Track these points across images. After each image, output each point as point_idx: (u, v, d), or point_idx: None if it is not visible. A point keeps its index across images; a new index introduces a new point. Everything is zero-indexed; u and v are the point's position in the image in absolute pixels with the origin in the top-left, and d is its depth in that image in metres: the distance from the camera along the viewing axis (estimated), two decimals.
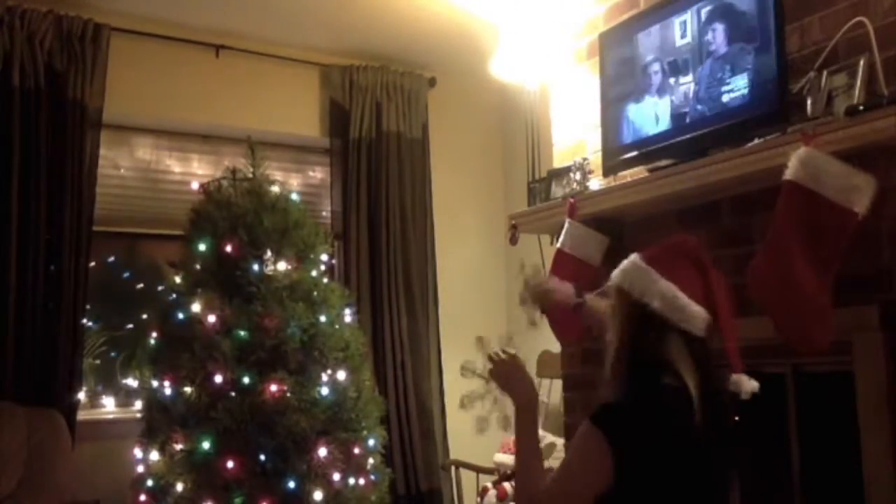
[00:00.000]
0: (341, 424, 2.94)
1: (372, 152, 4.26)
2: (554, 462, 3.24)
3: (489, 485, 3.87)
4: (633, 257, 1.70)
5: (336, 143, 4.26)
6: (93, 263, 3.61)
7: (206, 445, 2.74)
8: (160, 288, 3.95)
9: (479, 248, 4.69)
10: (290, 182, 4.20)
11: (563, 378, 3.25)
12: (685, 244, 1.70)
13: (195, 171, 4.09)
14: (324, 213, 4.34)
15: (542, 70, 3.47)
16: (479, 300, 4.66)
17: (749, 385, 1.68)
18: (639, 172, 2.77)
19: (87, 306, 3.57)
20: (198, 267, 3.02)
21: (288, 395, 2.81)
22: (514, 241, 3.34)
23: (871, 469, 2.06)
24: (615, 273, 1.71)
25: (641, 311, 1.61)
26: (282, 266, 3.01)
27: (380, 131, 4.28)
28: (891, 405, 2.04)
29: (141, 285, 4.15)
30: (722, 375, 1.67)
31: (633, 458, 1.49)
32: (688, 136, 2.56)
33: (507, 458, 3.95)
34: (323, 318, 3.00)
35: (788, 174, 2.03)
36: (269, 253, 3.01)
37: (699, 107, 2.54)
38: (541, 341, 3.91)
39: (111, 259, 4.10)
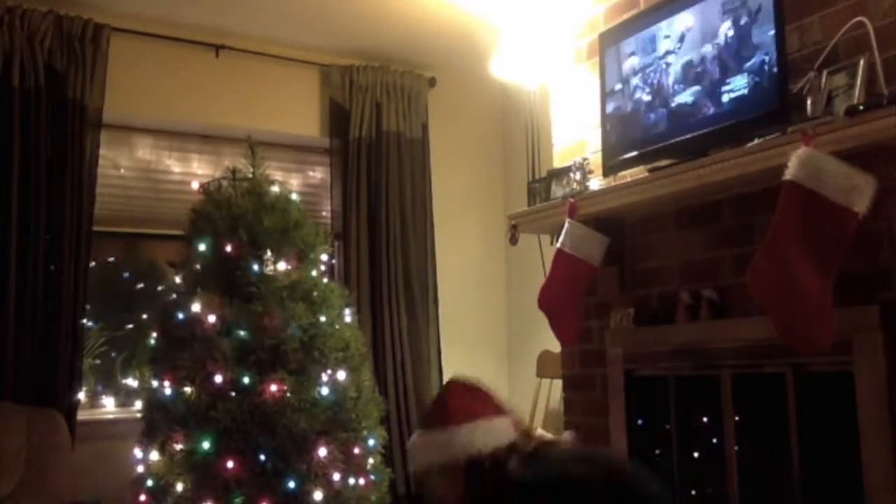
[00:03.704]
0: (341, 424, 2.94)
1: (372, 152, 4.26)
2: None
3: None
4: (417, 435, 1.65)
5: (336, 143, 4.26)
6: (93, 263, 3.61)
7: (206, 445, 2.74)
8: (160, 288, 3.95)
9: (479, 247, 4.69)
10: (290, 182, 4.20)
11: (563, 378, 3.26)
12: (461, 388, 1.68)
13: (195, 171, 4.09)
14: (324, 213, 4.34)
15: (542, 70, 3.48)
16: (479, 300, 4.65)
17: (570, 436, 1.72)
18: (639, 172, 2.77)
19: (87, 306, 3.57)
20: (198, 267, 3.02)
21: (288, 395, 2.81)
22: (514, 241, 3.34)
23: (871, 469, 2.06)
24: (419, 463, 1.65)
25: (465, 467, 1.57)
26: (282, 266, 3.01)
27: (380, 131, 4.28)
28: (891, 405, 2.04)
29: (141, 285, 4.15)
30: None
31: None
32: (688, 136, 2.56)
33: None
34: (323, 318, 3.00)
35: (788, 174, 2.03)
36: (269, 253, 3.01)
37: (699, 106, 2.54)
38: (541, 341, 3.91)
39: (111, 259, 4.10)
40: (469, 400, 1.63)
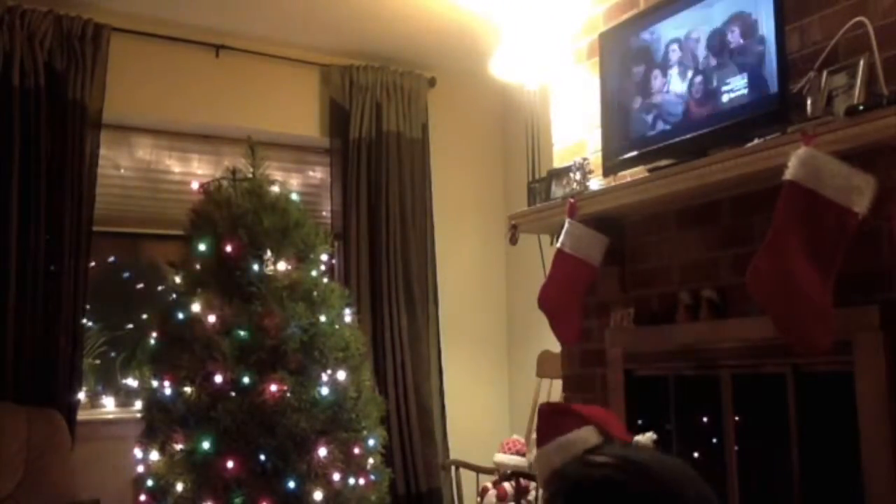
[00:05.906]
0: (341, 424, 2.94)
1: (372, 152, 4.26)
2: None
3: (489, 485, 3.87)
4: (531, 455, 1.90)
5: (336, 143, 4.26)
6: (93, 263, 3.61)
7: (206, 445, 2.74)
8: (160, 288, 3.95)
9: (479, 247, 4.69)
10: (290, 182, 4.21)
11: (563, 378, 3.25)
12: (545, 411, 1.94)
13: (195, 171, 4.09)
14: (324, 213, 4.35)
15: (542, 70, 3.47)
16: (479, 300, 4.66)
17: (648, 438, 1.90)
18: (639, 172, 2.77)
19: (87, 306, 3.57)
20: (198, 267, 3.02)
21: (288, 395, 2.81)
22: (514, 241, 3.34)
23: (871, 469, 2.06)
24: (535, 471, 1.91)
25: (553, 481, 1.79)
26: (282, 266, 3.01)
27: (380, 131, 4.28)
28: (891, 405, 2.04)
29: (141, 285, 4.15)
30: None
31: None
32: (688, 136, 2.55)
33: (507, 458, 3.95)
34: (323, 318, 3.00)
35: (788, 174, 2.03)
36: (269, 253, 3.01)
37: (699, 107, 2.54)
38: (541, 341, 3.91)
39: (111, 259, 4.10)
40: (554, 419, 1.85)
